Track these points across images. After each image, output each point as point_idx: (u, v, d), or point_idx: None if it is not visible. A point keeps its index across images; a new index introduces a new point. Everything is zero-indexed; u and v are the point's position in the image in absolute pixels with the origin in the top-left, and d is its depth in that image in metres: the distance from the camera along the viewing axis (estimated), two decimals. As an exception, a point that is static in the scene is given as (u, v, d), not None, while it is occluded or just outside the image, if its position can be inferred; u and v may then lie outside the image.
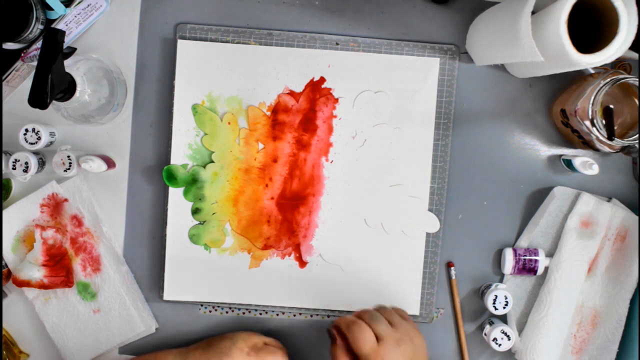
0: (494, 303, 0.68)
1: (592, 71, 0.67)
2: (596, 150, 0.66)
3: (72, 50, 0.69)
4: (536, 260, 0.69)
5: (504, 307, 0.69)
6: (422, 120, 0.71)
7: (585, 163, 0.67)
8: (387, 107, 0.70)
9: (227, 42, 0.70)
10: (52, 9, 0.68)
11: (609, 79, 0.61)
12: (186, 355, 0.66)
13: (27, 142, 0.68)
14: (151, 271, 0.72)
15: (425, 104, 0.70)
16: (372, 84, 0.70)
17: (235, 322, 0.72)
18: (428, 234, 0.71)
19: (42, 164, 0.70)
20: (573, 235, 0.69)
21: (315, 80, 0.70)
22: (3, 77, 0.70)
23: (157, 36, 0.71)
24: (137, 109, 0.71)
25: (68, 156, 0.68)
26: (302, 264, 0.71)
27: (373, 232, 0.71)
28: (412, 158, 0.71)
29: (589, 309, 0.71)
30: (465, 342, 0.72)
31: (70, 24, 0.69)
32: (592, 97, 0.61)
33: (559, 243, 0.70)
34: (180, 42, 0.69)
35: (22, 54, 0.69)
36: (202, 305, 0.72)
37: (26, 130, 0.67)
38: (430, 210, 0.71)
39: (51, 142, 0.70)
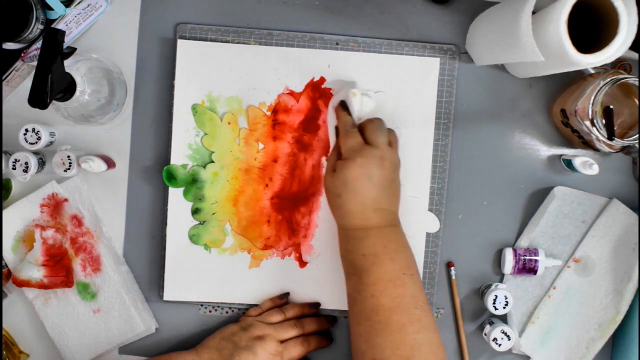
0: (494, 303, 0.68)
1: (592, 71, 0.67)
2: (596, 150, 0.66)
3: (72, 50, 0.69)
4: (536, 260, 0.69)
5: (504, 307, 0.69)
6: (422, 120, 0.71)
7: (585, 163, 0.67)
8: (387, 107, 0.70)
9: (227, 42, 0.70)
10: (52, 9, 0.68)
11: (609, 79, 0.61)
12: None
13: (27, 142, 0.67)
14: (151, 271, 0.72)
15: (425, 104, 0.70)
16: (372, 84, 0.70)
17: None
18: (428, 234, 0.71)
19: (42, 164, 0.70)
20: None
21: (315, 80, 0.70)
22: (3, 77, 0.70)
23: (157, 36, 0.71)
24: (137, 109, 0.71)
25: (68, 156, 0.68)
26: (302, 264, 0.71)
27: (373, 232, 0.71)
28: (412, 158, 0.71)
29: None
30: (465, 342, 0.72)
31: (70, 24, 0.69)
32: (592, 97, 0.61)
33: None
34: (180, 42, 0.69)
35: (22, 54, 0.69)
36: (202, 305, 0.72)
37: (26, 130, 0.67)
38: (430, 210, 0.71)
39: (51, 142, 0.70)
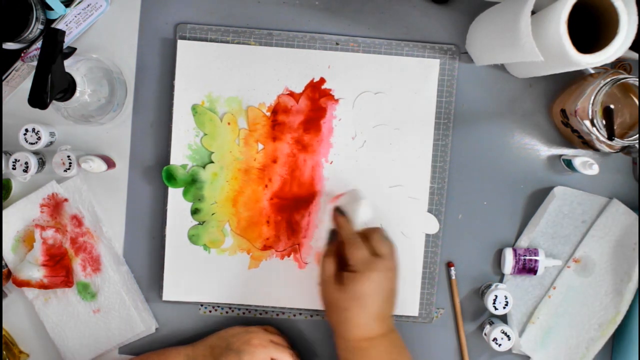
0: (494, 303, 0.68)
1: (592, 71, 0.67)
2: (596, 150, 0.66)
3: (72, 50, 0.69)
4: (536, 260, 0.69)
5: (504, 307, 0.69)
6: (422, 122, 0.71)
7: (585, 163, 0.67)
8: (387, 108, 0.70)
9: (227, 42, 0.70)
10: (52, 9, 0.68)
11: (609, 79, 0.61)
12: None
13: (27, 142, 0.68)
14: (151, 271, 0.72)
15: (425, 106, 0.70)
16: (372, 85, 0.70)
17: (235, 323, 0.72)
18: (428, 234, 0.71)
19: (42, 164, 0.70)
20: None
21: (315, 81, 0.70)
22: (3, 77, 0.70)
23: (157, 36, 0.71)
24: (137, 109, 0.71)
25: (68, 156, 0.68)
26: (302, 264, 0.71)
27: (373, 232, 0.71)
28: (411, 159, 0.71)
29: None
30: (465, 342, 0.72)
31: (70, 24, 0.69)
32: (592, 97, 0.61)
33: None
34: (180, 42, 0.69)
35: (22, 54, 0.69)
36: (202, 305, 0.72)
37: (26, 130, 0.67)
38: (430, 210, 0.71)
39: (51, 142, 0.70)
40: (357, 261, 0.61)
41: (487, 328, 0.70)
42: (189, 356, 0.66)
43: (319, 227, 0.71)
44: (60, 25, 0.69)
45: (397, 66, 0.70)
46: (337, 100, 0.70)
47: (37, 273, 0.68)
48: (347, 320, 0.61)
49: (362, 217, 0.66)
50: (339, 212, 0.67)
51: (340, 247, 0.65)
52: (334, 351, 0.72)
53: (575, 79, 0.69)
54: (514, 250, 0.70)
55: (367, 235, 0.63)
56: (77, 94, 0.61)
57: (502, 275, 0.72)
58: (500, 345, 0.68)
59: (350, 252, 0.62)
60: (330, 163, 0.71)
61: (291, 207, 0.71)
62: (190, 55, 0.70)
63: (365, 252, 0.61)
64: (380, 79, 0.70)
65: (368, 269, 0.60)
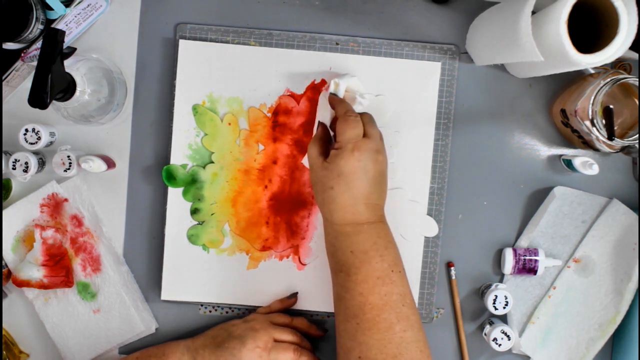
0: (494, 303, 0.68)
1: (592, 71, 0.67)
2: (596, 150, 0.66)
3: (72, 50, 0.69)
4: (536, 260, 0.69)
5: (504, 307, 0.69)
6: (422, 125, 0.70)
7: (585, 163, 0.67)
8: (387, 111, 0.70)
9: (227, 42, 0.70)
10: (52, 9, 0.68)
11: (609, 79, 0.61)
12: (195, 355, 0.65)
13: (27, 142, 0.68)
14: (151, 271, 0.72)
15: (425, 110, 0.70)
16: (373, 88, 0.70)
17: (235, 322, 0.72)
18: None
19: (42, 164, 0.70)
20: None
21: (316, 82, 0.70)
22: (3, 77, 0.70)
23: (157, 36, 0.71)
24: (137, 109, 0.71)
25: (68, 156, 0.68)
26: (301, 265, 0.71)
27: (373, 233, 0.71)
28: (411, 162, 0.71)
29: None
30: (465, 342, 0.72)
31: (70, 24, 0.69)
32: (592, 97, 0.61)
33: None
34: (182, 42, 0.69)
35: (22, 54, 0.69)
36: (202, 305, 0.72)
37: (26, 130, 0.67)
38: (430, 210, 0.71)
39: (51, 142, 0.70)
40: (345, 138, 0.60)
41: (487, 328, 0.70)
42: (189, 347, 0.66)
43: (318, 228, 0.71)
44: (60, 25, 0.69)
45: (399, 69, 0.70)
46: (337, 101, 0.70)
47: (37, 273, 0.68)
48: (332, 200, 0.60)
49: (353, 89, 0.65)
50: (334, 94, 0.65)
51: (326, 134, 0.65)
52: (335, 351, 0.72)
53: (575, 79, 0.69)
54: (514, 250, 0.70)
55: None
56: (77, 94, 0.61)
57: (502, 275, 0.72)
58: (500, 345, 0.68)
59: (342, 129, 0.60)
60: (330, 163, 0.71)
61: (291, 208, 0.71)
62: (191, 54, 0.70)
63: (357, 132, 0.60)
64: (381, 82, 0.70)
65: (354, 147, 0.59)
